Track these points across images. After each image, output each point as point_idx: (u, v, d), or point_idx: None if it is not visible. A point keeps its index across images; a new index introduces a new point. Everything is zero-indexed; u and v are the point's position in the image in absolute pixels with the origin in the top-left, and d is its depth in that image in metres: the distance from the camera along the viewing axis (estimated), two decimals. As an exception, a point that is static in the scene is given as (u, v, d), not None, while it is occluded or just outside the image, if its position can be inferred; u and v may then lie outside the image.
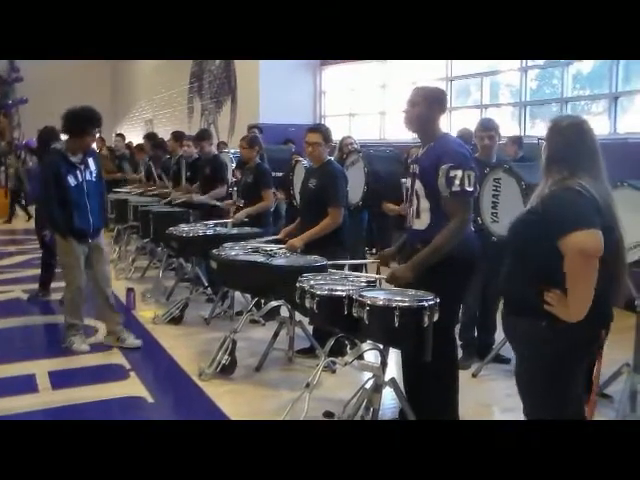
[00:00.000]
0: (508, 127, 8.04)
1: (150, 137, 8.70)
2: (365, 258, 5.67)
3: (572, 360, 2.18)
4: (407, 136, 8.95)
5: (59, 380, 3.96)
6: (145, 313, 5.48)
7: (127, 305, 5.60)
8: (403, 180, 4.20)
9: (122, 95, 22.04)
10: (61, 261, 4.59)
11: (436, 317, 2.71)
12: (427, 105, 3.00)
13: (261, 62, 11.15)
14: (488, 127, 4.25)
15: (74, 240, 4.37)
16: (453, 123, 8.78)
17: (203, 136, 6.15)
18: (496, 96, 8.90)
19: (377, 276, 3.36)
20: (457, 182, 2.86)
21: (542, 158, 2.27)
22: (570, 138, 2.18)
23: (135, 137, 15.35)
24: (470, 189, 2.90)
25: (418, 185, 3.03)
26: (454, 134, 6.50)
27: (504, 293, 2.31)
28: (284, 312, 4.27)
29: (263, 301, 4.22)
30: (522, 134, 7.41)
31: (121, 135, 10.82)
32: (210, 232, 4.94)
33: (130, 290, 5.68)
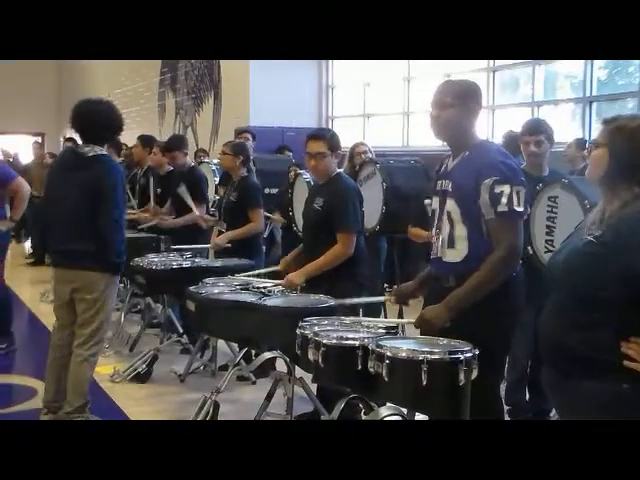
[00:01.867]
0: (568, 130, 8.09)
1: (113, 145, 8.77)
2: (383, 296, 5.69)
3: None
4: (438, 143, 8.94)
5: None
6: (101, 369, 5.45)
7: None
8: (427, 201, 4.22)
9: (72, 90, 22.29)
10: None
11: (475, 373, 2.71)
12: (460, 105, 3.02)
13: (252, 50, 11.34)
14: (535, 129, 4.28)
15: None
16: (496, 125, 8.86)
17: (172, 146, 6.21)
18: (552, 90, 8.95)
19: (399, 320, 3.37)
20: (504, 200, 2.87)
21: (595, 170, 2.28)
22: None
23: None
24: (520, 209, 2.91)
25: (451, 206, 3.04)
26: (498, 140, 6.59)
27: (556, 348, 2.28)
28: (280, 366, 4.27)
29: (254, 352, 4.23)
30: (587, 138, 7.45)
31: (72, 140, 10.84)
32: (187, 264, 4.98)
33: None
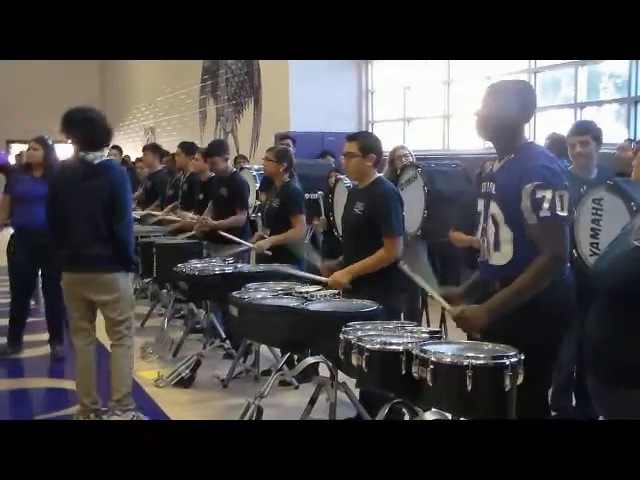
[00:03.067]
0: (612, 132, 7.95)
1: (154, 148, 8.88)
2: (425, 302, 5.66)
3: None
4: (478, 146, 9.00)
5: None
6: (145, 373, 5.54)
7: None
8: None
9: (115, 97, 22.66)
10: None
11: (521, 379, 2.69)
12: (507, 104, 3.00)
13: (291, 55, 11.39)
14: (581, 130, 4.23)
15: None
16: (537, 127, 8.76)
17: (212, 151, 6.25)
18: (595, 91, 8.82)
19: (444, 304, 3.25)
20: (546, 205, 2.85)
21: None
22: None
23: (132, 150, 15.72)
24: (563, 213, 2.88)
25: (495, 209, 3.03)
26: (541, 142, 6.52)
27: (602, 355, 2.25)
28: (323, 371, 4.28)
29: (296, 357, 4.24)
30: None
31: (117, 148, 11.00)
32: (229, 269, 5.01)
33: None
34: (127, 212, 4.42)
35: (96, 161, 4.35)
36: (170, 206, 7.25)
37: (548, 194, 2.85)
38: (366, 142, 4.21)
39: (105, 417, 4.43)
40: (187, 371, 5.33)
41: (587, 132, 4.21)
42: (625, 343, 2.18)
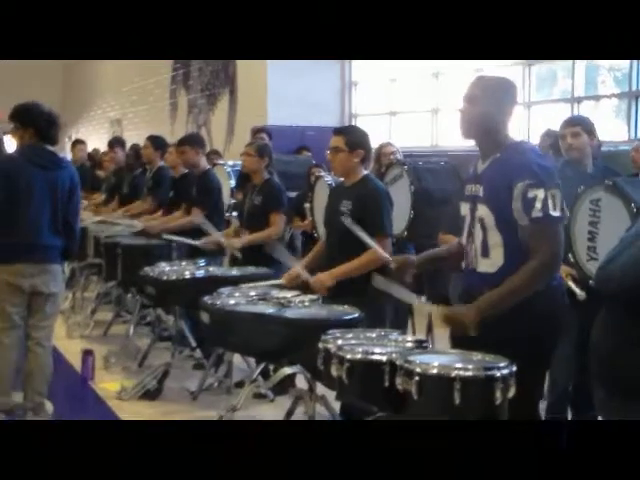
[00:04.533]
0: (611, 128, 7.99)
1: (119, 142, 8.83)
2: (411, 309, 5.66)
3: None
4: (469, 142, 8.91)
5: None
6: (108, 385, 5.51)
7: (82, 374, 5.63)
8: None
9: (78, 85, 22.52)
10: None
11: (513, 391, 2.69)
12: (491, 101, 3.03)
13: (270, 43, 11.38)
14: (571, 121, 4.26)
15: None
16: (532, 123, 8.81)
17: (183, 140, 6.24)
18: (594, 84, 8.87)
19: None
20: (538, 205, 2.87)
21: None
22: None
23: (97, 144, 15.62)
24: (556, 214, 2.91)
25: (483, 212, 3.04)
26: (535, 139, 6.55)
27: (611, 368, 2.25)
28: (301, 383, 4.27)
29: (272, 367, 4.22)
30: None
31: (82, 142, 10.90)
32: (200, 273, 5.00)
33: (88, 353, 5.71)
34: (78, 206, 4.84)
35: (55, 154, 4.53)
36: (125, 208, 7.26)
37: (540, 193, 2.87)
38: (354, 137, 4.22)
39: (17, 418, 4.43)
40: (154, 382, 5.29)
41: (578, 124, 4.24)
42: (634, 355, 2.19)
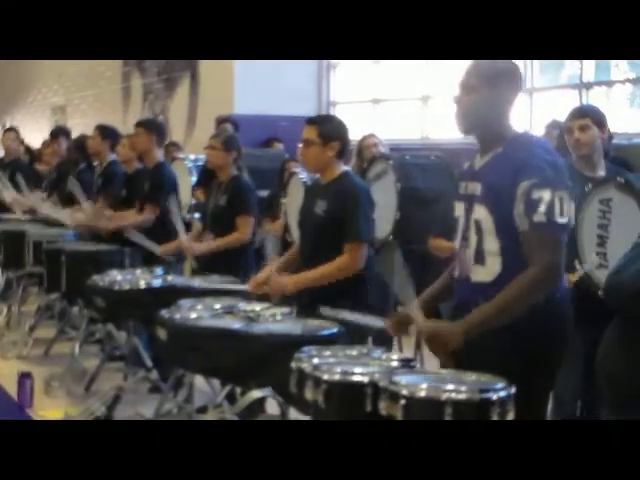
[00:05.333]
0: (624, 118, 7.99)
1: (63, 132, 8.78)
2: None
3: None
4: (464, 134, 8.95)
5: None
6: (49, 413, 5.48)
7: (19, 400, 5.59)
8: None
9: (15, 66, 22.33)
10: None
11: (511, 416, 2.70)
12: (491, 89, 3.03)
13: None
14: (580, 112, 4.30)
15: None
16: (535, 112, 8.85)
17: (140, 122, 6.35)
18: (605, 69, 8.89)
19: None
20: (542, 208, 2.86)
21: None
22: None
23: (36, 133, 15.54)
24: (562, 220, 2.90)
25: (481, 213, 3.04)
26: (539, 130, 6.59)
27: (624, 387, 2.30)
28: (272, 408, 4.27)
29: (239, 390, 4.22)
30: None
31: (13, 130, 10.75)
32: (157, 283, 5.00)
33: (25, 376, 5.67)
34: None
35: None
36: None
37: (546, 195, 2.86)
38: (328, 127, 4.24)
39: None
40: (103, 409, 5.25)
41: (587, 115, 4.26)
42: None
